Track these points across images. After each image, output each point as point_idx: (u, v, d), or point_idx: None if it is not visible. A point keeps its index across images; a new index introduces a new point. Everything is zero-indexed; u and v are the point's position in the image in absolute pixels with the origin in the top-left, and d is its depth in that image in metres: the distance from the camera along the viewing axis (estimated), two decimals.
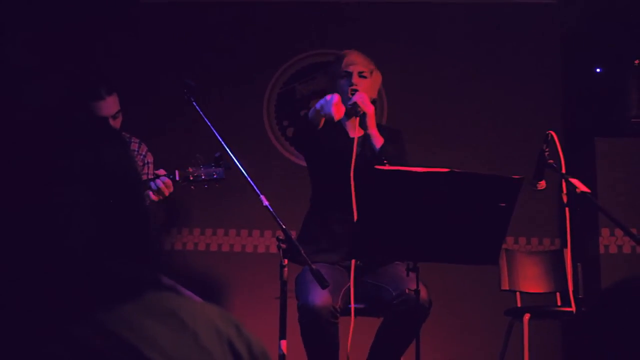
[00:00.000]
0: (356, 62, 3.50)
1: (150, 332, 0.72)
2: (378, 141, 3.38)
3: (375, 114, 3.47)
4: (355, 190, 3.23)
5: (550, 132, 3.07)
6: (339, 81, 3.49)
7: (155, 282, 0.80)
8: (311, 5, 5.58)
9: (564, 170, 3.02)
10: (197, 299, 0.88)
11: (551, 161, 3.06)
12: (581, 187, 2.92)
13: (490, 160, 5.14)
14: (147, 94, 5.26)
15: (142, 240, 0.90)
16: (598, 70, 5.39)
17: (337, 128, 3.53)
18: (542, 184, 3.10)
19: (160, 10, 5.58)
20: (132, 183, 0.92)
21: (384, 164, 3.23)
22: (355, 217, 3.10)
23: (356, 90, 3.42)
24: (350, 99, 3.39)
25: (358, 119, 3.39)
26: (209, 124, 2.99)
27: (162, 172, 3.29)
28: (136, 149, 3.67)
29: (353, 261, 3.17)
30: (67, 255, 0.77)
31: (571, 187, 2.95)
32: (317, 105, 3.29)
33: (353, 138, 3.41)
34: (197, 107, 3.04)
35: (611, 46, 5.18)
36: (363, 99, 3.36)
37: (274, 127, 5.49)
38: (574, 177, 2.99)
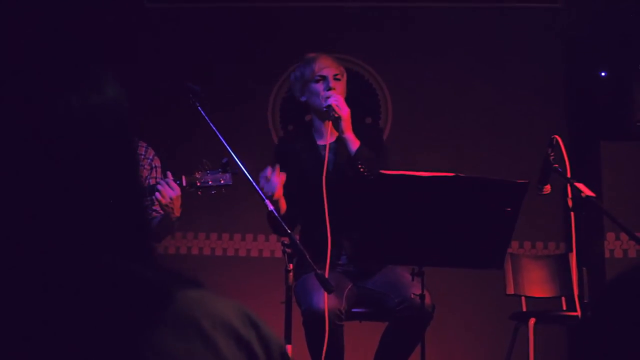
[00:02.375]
0: (329, 65, 3.45)
1: (175, 354, 0.70)
2: (354, 144, 3.28)
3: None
4: (328, 200, 3.16)
5: (555, 136, 3.06)
6: (312, 85, 3.42)
7: (177, 282, 0.75)
8: (315, 10, 5.59)
9: (569, 175, 3.01)
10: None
11: (556, 165, 3.05)
12: (586, 192, 2.92)
13: (495, 165, 5.14)
14: (152, 99, 5.26)
15: (140, 226, 0.83)
16: (603, 73, 5.38)
17: (307, 137, 3.50)
18: (547, 189, 3.10)
19: (165, 15, 5.59)
20: (123, 143, 0.82)
21: (358, 169, 3.20)
22: (328, 228, 3.06)
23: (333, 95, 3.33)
24: (325, 101, 3.32)
25: (331, 123, 3.32)
26: (214, 128, 2.99)
27: (169, 175, 3.28)
28: (143, 153, 3.66)
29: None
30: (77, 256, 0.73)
31: (576, 192, 2.94)
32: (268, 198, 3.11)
33: (323, 145, 3.35)
34: (202, 111, 3.04)
35: (615, 49, 5.17)
36: (338, 101, 3.29)
37: (278, 132, 5.50)
38: (579, 181, 2.99)
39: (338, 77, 3.43)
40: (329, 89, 3.37)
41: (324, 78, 3.41)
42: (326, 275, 2.87)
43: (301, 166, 3.42)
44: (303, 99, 3.49)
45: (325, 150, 3.36)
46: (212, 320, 0.73)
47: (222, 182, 3.28)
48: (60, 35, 0.83)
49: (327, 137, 3.39)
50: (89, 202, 0.76)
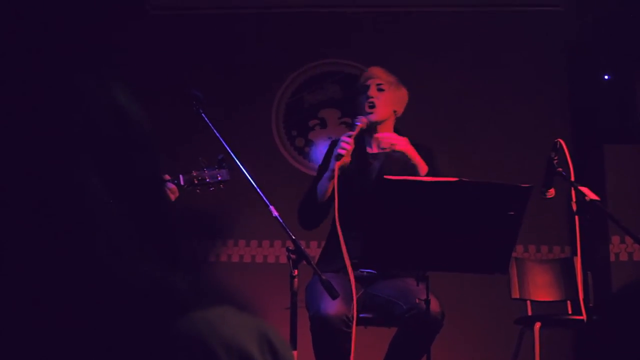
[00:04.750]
0: (374, 75, 3.49)
1: None
2: (422, 169, 3.32)
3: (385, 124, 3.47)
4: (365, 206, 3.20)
5: (559, 140, 3.06)
6: (360, 96, 3.49)
7: (201, 297, 0.73)
8: (318, 15, 5.60)
9: (573, 178, 3.01)
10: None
11: (560, 169, 3.05)
12: (590, 195, 2.91)
13: (498, 169, 5.14)
14: (154, 104, 5.27)
15: (167, 229, 0.81)
16: (606, 77, 5.38)
17: (358, 143, 3.46)
18: (551, 192, 3.10)
19: (168, 21, 5.60)
20: (143, 144, 0.83)
21: None
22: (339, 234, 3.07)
23: (373, 104, 3.40)
24: (368, 112, 3.39)
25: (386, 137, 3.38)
26: (218, 135, 2.99)
27: (166, 177, 3.28)
28: None
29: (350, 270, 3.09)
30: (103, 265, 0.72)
31: (580, 195, 2.94)
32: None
33: (372, 154, 3.43)
34: (205, 118, 3.04)
35: (618, 52, 5.17)
36: (394, 140, 3.32)
37: (282, 137, 5.50)
38: (583, 185, 2.99)
39: (382, 87, 3.46)
40: (368, 98, 3.41)
41: (366, 88, 3.46)
42: (352, 279, 2.91)
43: (351, 170, 3.39)
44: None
45: (373, 159, 3.43)
46: (229, 348, 0.71)
47: (219, 177, 3.29)
48: (62, 44, 0.83)
49: (374, 147, 3.47)
50: (116, 206, 0.75)
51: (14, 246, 0.70)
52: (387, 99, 3.47)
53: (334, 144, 3.49)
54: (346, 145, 3.25)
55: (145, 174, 0.80)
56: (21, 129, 0.73)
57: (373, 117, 3.41)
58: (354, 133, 3.29)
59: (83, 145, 0.74)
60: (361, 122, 3.34)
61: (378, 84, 3.46)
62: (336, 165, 3.23)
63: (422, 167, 3.32)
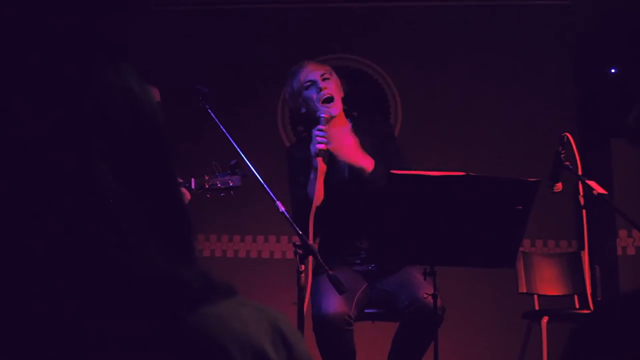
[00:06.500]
0: (314, 69, 3.40)
1: None
2: (367, 166, 3.25)
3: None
4: (342, 204, 3.25)
5: (566, 134, 3.06)
6: (305, 93, 3.37)
7: (209, 291, 0.71)
8: (325, 11, 5.60)
9: (580, 172, 3.00)
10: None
11: (567, 163, 3.04)
12: (598, 189, 2.90)
13: (506, 163, 5.13)
14: (161, 101, 5.27)
15: (180, 221, 0.80)
16: (613, 70, 5.36)
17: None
18: (558, 186, 3.09)
19: (172, 17, 5.60)
20: (156, 134, 0.80)
21: (373, 187, 3.16)
22: (310, 235, 3.03)
23: (330, 97, 3.31)
24: (322, 108, 3.29)
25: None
26: (224, 130, 2.98)
27: (179, 180, 3.27)
28: None
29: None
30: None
31: (588, 189, 2.93)
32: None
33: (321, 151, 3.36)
34: (212, 113, 3.03)
35: (625, 46, 5.15)
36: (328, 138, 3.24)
37: (288, 132, 5.50)
38: (590, 179, 2.98)
39: (326, 76, 3.38)
40: (320, 90, 3.32)
41: (313, 82, 3.35)
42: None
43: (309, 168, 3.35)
44: (303, 110, 3.43)
45: (335, 156, 3.35)
46: (241, 345, 0.70)
47: (230, 184, 3.28)
48: (75, 32, 0.83)
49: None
50: (127, 195, 0.74)
51: (20, 237, 0.70)
52: (335, 87, 3.39)
53: (293, 151, 3.51)
54: (323, 138, 3.20)
55: (157, 163, 0.80)
56: (32, 116, 0.73)
57: (334, 111, 3.32)
58: (324, 127, 3.24)
59: (95, 132, 0.74)
60: (326, 114, 3.27)
61: (322, 74, 3.38)
62: (319, 162, 3.20)
63: (367, 164, 3.26)
